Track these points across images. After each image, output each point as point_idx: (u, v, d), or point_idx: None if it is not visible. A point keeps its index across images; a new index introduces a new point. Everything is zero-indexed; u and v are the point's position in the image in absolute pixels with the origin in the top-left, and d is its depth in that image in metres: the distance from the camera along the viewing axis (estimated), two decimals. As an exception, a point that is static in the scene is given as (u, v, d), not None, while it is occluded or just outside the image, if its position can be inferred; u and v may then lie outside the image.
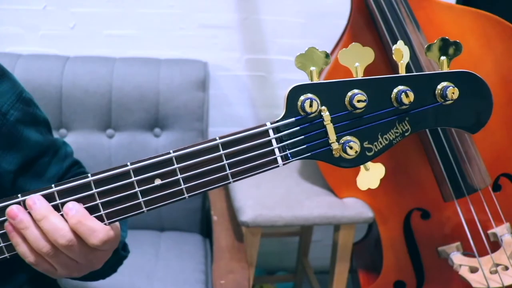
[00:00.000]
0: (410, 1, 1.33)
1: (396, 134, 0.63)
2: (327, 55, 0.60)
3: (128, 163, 0.61)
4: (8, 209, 0.61)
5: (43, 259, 0.63)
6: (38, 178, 0.85)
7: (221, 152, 0.61)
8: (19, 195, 0.62)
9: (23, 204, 0.62)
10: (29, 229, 0.61)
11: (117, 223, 0.68)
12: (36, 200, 0.61)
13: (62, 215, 0.62)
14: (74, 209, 0.61)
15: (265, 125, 0.62)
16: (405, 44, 0.62)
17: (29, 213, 0.61)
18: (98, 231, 0.62)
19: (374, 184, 0.62)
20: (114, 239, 0.65)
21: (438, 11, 1.39)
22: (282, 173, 1.58)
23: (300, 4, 1.83)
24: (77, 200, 0.62)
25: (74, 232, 0.62)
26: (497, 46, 1.40)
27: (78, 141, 1.59)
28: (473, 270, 1.37)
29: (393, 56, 0.61)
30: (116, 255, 0.79)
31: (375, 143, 0.62)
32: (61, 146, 0.91)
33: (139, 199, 0.62)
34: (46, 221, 0.61)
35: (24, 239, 0.62)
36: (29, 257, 0.63)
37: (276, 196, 1.48)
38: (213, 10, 1.79)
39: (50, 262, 0.64)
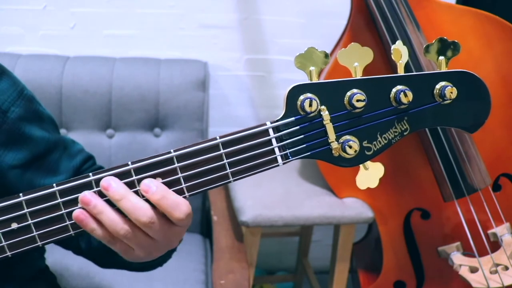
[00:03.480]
0: (410, 1, 1.34)
1: (395, 134, 0.63)
2: (326, 55, 0.60)
3: (129, 162, 0.61)
4: (80, 196, 0.60)
5: (120, 240, 0.62)
6: (52, 174, 0.85)
7: (222, 151, 0.62)
8: (20, 194, 0.61)
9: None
10: (104, 213, 0.60)
11: None
12: (111, 182, 0.60)
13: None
14: (154, 185, 0.60)
15: (265, 124, 0.62)
16: (405, 44, 0.62)
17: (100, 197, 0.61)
18: (182, 204, 0.61)
19: (374, 183, 0.63)
20: (191, 214, 0.65)
21: (438, 11, 1.39)
22: (282, 173, 1.58)
23: (300, 4, 1.83)
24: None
25: (155, 209, 0.61)
26: (497, 46, 1.40)
27: (78, 141, 1.58)
28: (473, 270, 1.37)
29: (392, 56, 0.61)
30: None
31: (374, 142, 0.63)
32: (70, 143, 0.91)
33: (139, 198, 0.62)
34: (127, 200, 0.60)
35: (99, 223, 0.61)
36: (106, 239, 0.62)
37: (276, 196, 1.48)
38: (213, 10, 1.79)
39: (128, 243, 0.63)
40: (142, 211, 0.60)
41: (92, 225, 0.61)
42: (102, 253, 0.86)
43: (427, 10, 1.38)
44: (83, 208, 0.61)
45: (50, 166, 0.86)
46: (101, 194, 0.61)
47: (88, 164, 0.92)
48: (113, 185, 0.60)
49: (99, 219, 0.61)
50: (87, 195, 0.60)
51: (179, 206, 0.61)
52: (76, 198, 0.61)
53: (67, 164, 0.88)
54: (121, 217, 0.61)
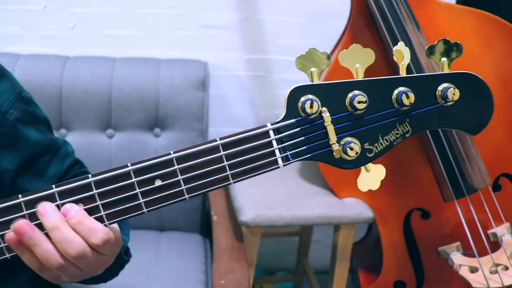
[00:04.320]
0: (410, 1, 1.33)
1: (397, 135, 0.63)
2: (328, 57, 0.60)
3: (129, 164, 0.61)
4: (16, 225, 0.59)
5: (49, 268, 0.63)
6: (38, 177, 0.85)
7: (222, 153, 0.61)
8: (19, 196, 0.61)
9: (24, 210, 0.61)
10: (39, 246, 0.60)
11: (118, 228, 0.68)
12: (48, 208, 0.60)
13: None
14: (73, 209, 0.60)
15: (266, 126, 0.62)
16: (405, 44, 0.62)
17: (37, 224, 0.60)
18: (98, 230, 0.61)
19: (375, 185, 0.62)
20: (115, 241, 0.65)
21: (438, 11, 1.39)
22: (282, 173, 1.58)
23: (300, 4, 1.83)
24: (77, 200, 0.61)
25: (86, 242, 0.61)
26: (497, 46, 1.40)
27: (78, 141, 1.59)
28: (473, 270, 1.37)
29: (394, 58, 0.61)
30: (118, 259, 0.79)
31: (376, 144, 0.62)
32: (62, 145, 0.91)
33: (139, 200, 0.62)
34: (58, 231, 0.59)
35: (30, 250, 0.61)
36: (35, 265, 0.62)
37: (276, 196, 1.48)
38: (213, 10, 1.79)
39: (57, 272, 0.63)
40: (72, 245, 0.60)
41: (21, 250, 0.61)
42: None
43: (427, 10, 1.38)
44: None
45: (38, 169, 0.86)
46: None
47: (74, 168, 0.91)
48: (49, 213, 0.60)
49: (34, 251, 0.60)
50: (22, 226, 0.59)
51: (95, 232, 0.61)
52: (75, 201, 0.61)
53: (56, 169, 0.88)
54: (56, 250, 0.61)
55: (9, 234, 0.60)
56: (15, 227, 0.59)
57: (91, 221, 0.61)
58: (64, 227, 0.60)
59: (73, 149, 0.93)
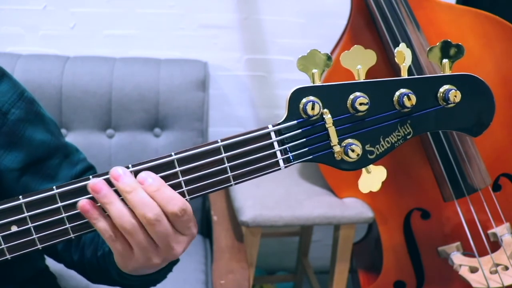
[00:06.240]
0: (410, 1, 1.34)
1: (398, 137, 0.63)
2: (329, 57, 0.60)
3: (130, 165, 0.61)
4: (91, 183, 0.59)
5: (122, 236, 0.61)
6: (49, 179, 0.85)
7: (223, 154, 0.61)
8: (20, 197, 0.61)
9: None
10: (114, 204, 0.59)
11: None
12: (122, 172, 0.59)
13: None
14: (150, 177, 0.60)
15: (267, 127, 0.62)
16: (406, 45, 0.62)
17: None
18: (177, 199, 0.60)
19: (376, 187, 0.62)
20: (193, 220, 0.64)
21: (438, 11, 1.39)
22: (282, 173, 1.57)
23: (300, 4, 1.83)
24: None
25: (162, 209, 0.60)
26: (497, 46, 1.40)
27: (78, 141, 1.59)
28: (473, 270, 1.37)
29: (396, 59, 0.61)
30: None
31: (377, 146, 0.62)
32: (73, 152, 0.90)
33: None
34: (136, 194, 0.59)
35: (104, 215, 0.60)
36: (107, 233, 0.61)
37: (276, 196, 1.48)
38: (213, 10, 1.79)
39: (130, 240, 0.62)
40: (150, 207, 0.59)
41: (97, 215, 0.60)
42: (95, 266, 0.85)
43: (427, 10, 1.38)
44: (90, 199, 0.60)
45: (48, 172, 0.85)
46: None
47: (87, 174, 0.91)
48: (124, 176, 0.59)
49: (107, 209, 0.59)
50: (99, 183, 0.59)
51: (173, 200, 0.60)
52: (76, 202, 0.61)
53: (67, 172, 0.87)
54: (129, 211, 0.60)
55: (83, 201, 0.59)
56: (90, 184, 0.59)
57: (169, 190, 0.60)
58: (140, 190, 0.59)
59: (85, 156, 0.93)
